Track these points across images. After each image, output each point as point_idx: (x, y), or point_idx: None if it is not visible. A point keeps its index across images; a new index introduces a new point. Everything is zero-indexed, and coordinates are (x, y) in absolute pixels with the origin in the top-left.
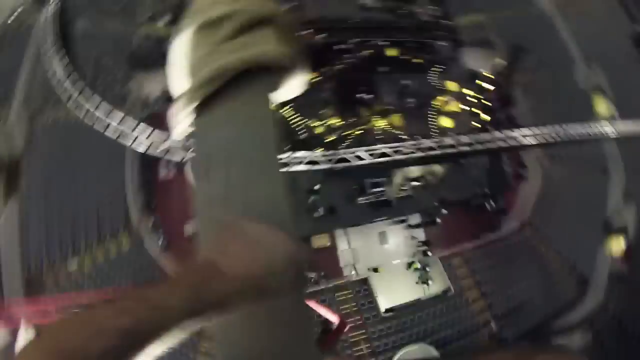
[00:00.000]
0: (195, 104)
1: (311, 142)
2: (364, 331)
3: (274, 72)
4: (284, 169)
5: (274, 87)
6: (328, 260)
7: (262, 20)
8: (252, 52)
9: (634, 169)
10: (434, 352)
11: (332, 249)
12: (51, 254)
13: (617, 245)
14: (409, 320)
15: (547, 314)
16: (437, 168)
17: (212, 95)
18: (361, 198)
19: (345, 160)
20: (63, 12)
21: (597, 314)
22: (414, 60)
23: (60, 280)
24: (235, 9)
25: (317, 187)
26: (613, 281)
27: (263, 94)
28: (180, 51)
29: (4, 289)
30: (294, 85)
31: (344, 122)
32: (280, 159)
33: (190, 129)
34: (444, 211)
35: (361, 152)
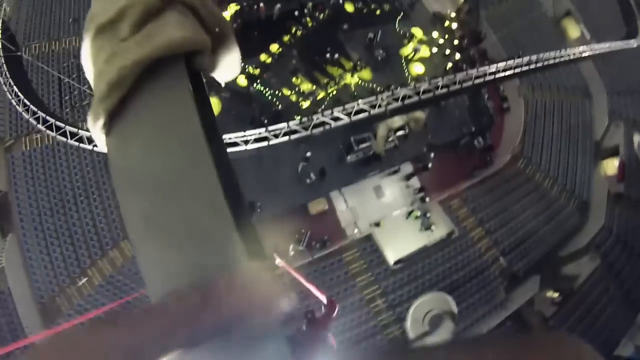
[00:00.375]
0: (102, 119)
1: (288, 112)
2: (377, 287)
3: (191, 58)
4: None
5: (197, 73)
6: (329, 224)
7: (165, 5)
8: (153, 44)
9: (614, 87)
10: (448, 298)
11: (331, 212)
12: (59, 277)
13: (610, 165)
14: (419, 268)
15: (553, 242)
16: (419, 114)
17: (122, 104)
18: (349, 156)
19: (323, 124)
20: (10, 39)
21: (601, 236)
22: (376, 12)
23: (74, 300)
24: (129, 1)
25: (308, 154)
26: (612, 202)
27: (180, 87)
28: (86, 63)
29: (22, 323)
30: (226, 66)
31: (317, 86)
32: (215, 155)
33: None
34: (432, 155)
35: (337, 112)
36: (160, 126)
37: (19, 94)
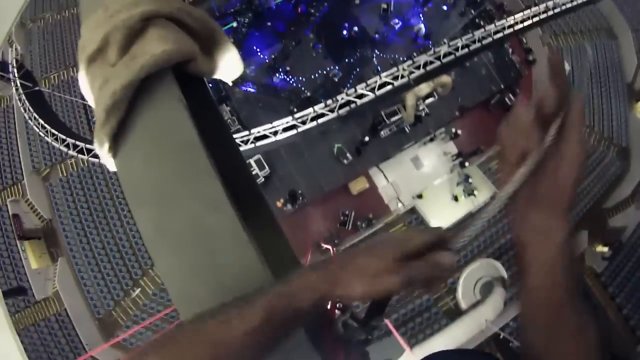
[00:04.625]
0: (106, 144)
1: (315, 97)
2: None
3: (184, 66)
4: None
5: (198, 79)
6: (372, 201)
7: (146, 23)
8: (138, 65)
9: (638, 23)
10: (496, 264)
11: (373, 189)
12: (113, 291)
13: None
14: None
15: (597, 194)
16: (446, 79)
17: (122, 125)
18: (383, 131)
19: (349, 103)
20: (27, 76)
21: None
22: None
23: (130, 312)
24: (111, 27)
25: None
26: None
27: (170, 99)
28: (86, 92)
29: (82, 341)
30: (225, 65)
31: (339, 65)
32: (217, 154)
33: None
34: (457, 116)
35: (361, 89)
36: (158, 138)
37: (45, 125)
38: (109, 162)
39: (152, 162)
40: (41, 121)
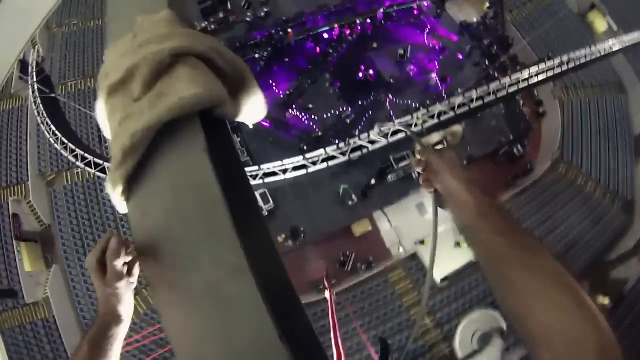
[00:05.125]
0: (120, 186)
1: (326, 137)
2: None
3: (210, 108)
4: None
5: (220, 120)
6: (373, 244)
7: (175, 59)
8: (164, 105)
9: None
10: (496, 314)
11: (375, 232)
12: None
13: None
14: (465, 284)
15: (600, 246)
16: (457, 128)
17: (139, 166)
18: (390, 175)
19: (360, 147)
20: (45, 80)
21: None
22: (403, 26)
23: None
24: (139, 59)
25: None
26: None
27: (195, 149)
28: (102, 121)
29: (67, 350)
30: (249, 110)
31: (352, 107)
32: (231, 213)
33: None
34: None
35: (374, 135)
36: (178, 190)
37: (57, 132)
38: (120, 205)
39: (169, 216)
40: (53, 127)
